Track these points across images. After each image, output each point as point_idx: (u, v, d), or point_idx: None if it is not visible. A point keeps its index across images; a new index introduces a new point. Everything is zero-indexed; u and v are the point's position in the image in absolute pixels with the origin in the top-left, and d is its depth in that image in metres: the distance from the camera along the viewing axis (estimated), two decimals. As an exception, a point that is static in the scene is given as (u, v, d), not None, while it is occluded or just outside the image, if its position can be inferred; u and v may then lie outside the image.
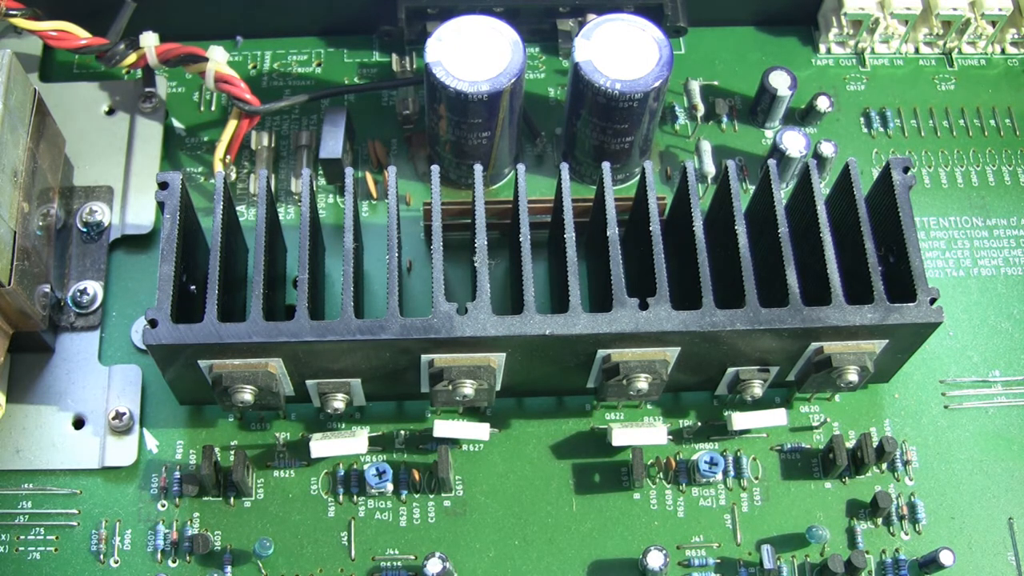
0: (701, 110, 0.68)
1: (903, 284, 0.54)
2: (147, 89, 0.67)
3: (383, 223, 0.65)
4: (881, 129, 0.69)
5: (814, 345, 0.54)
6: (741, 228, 0.55)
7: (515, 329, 0.52)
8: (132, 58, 0.64)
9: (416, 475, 0.58)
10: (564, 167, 0.57)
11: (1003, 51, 0.72)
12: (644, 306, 0.53)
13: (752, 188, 0.66)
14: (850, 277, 0.55)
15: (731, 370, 0.56)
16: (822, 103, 0.67)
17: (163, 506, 0.57)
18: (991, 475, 0.59)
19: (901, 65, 0.71)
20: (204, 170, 0.66)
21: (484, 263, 0.53)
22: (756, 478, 0.59)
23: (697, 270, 0.54)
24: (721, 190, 0.58)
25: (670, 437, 0.59)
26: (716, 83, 0.70)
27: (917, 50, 0.72)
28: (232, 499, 0.57)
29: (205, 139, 0.67)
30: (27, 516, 0.57)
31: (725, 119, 0.69)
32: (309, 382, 0.55)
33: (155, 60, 0.64)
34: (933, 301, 0.53)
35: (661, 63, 0.59)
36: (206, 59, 0.64)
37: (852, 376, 0.54)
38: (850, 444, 0.59)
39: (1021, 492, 0.59)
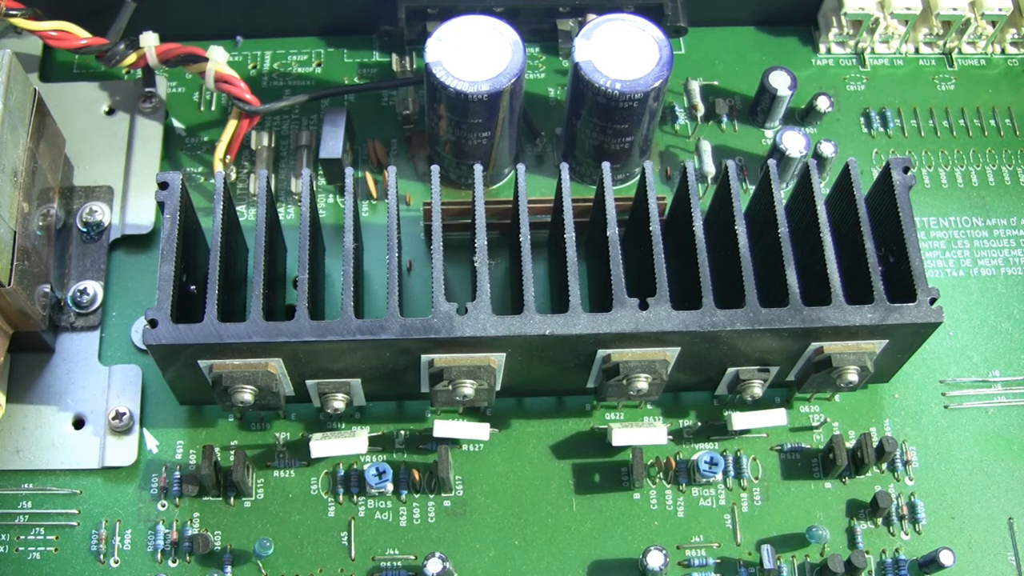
0: (701, 110, 0.68)
1: (903, 284, 0.55)
2: (147, 89, 0.67)
3: (383, 223, 0.65)
4: (881, 129, 0.69)
5: (814, 345, 0.54)
6: (741, 228, 0.55)
7: (515, 329, 0.52)
8: (132, 58, 0.64)
9: (416, 475, 0.58)
10: (564, 167, 0.57)
11: (1003, 51, 0.72)
12: (644, 306, 0.53)
13: (752, 188, 0.66)
14: (850, 277, 0.55)
15: (731, 370, 0.56)
16: (822, 103, 0.67)
17: (163, 506, 0.57)
18: (991, 475, 0.59)
19: (901, 65, 0.71)
20: (204, 170, 0.66)
21: (484, 263, 0.53)
22: (756, 478, 0.59)
23: (697, 270, 0.54)
24: (721, 190, 0.58)
25: (670, 437, 0.59)
26: (716, 83, 0.70)
27: (917, 50, 0.72)
28: (232, 499, 0.57)
29: (205, 139, 0.67)
30: (27, 516, 0.57)
31: (725, 119, 0.69)
32: (309, 382, 0.55)
33: (155, 60, 0.64)
34: (933, 301, 0.53)
35: (661, 63, 0.59)
36: (206, 59, 0.64)
37: (852, 376, 0.54)
38: (850, 444, 0.59)
39: (1021, 492, 0.59)
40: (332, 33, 0.71)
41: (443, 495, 0.58)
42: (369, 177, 0.66)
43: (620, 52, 0.60)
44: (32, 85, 0.59)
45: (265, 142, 0.66)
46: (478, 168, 0.56)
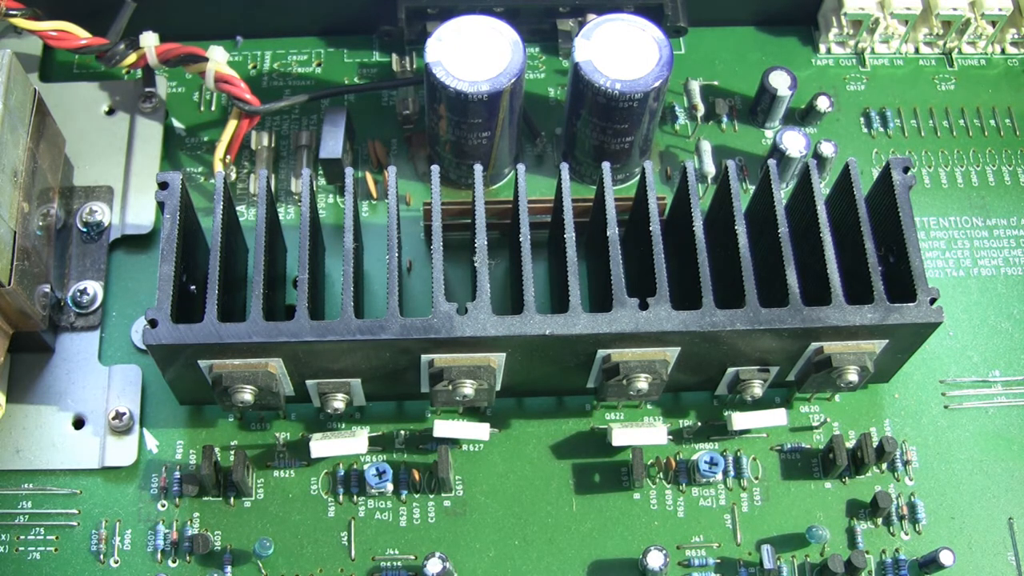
0: (701, 110, 0.68)
1: (903, 284, 0.55)
2: (147, 89, 0.67)
3: (383, 223, 0.65)
4: (881, 129, 0.69)
5: (814, 345, 0.54)
6: (741, 228, 0.55)
7: (515, 329, 0.52)
8: (132, 58, 0.64)
9: (416, 475, 0.58)
10: (564, 167, 0.57)
11: (1003, 51, 0.72)
12: (644, 306, 0.53)
13: (752, 188, 0.66)
14: (850, 277, 0.55)
15: (731, 370, 0.56)
16: (822, 103, 0.67)
17: (163, 506, 0.57)
18: (991, 475, 0.59)
19: (901, 65, 0.71)
20: (204, 170, 0.66)
21: (484, 263, 0.53)
22: (756, 478, 0.59)
23: (697, 270, 0.54)
24: (721, 190, 0.58)
25: (670, 437, 0.59)
26: (716, 83, 0.70)
27: (917, 50, 0.72)
28: (232, 499, 0.57)
29: (205, 139, 0.67)
30: (27, 516, 0.57)
31: (725, 119, 0.69)
32: (309, 382, 0.55)
33: (155, 60, 0.64)
34: (933, 301, 0.53)
35: (661, 63, 0.59)
36: (206, 59, 0.64)
37: (852, 376, 0.54)
38: (850, 444, 0.59)
39: (1021, 492, 0.59)
40: (332, 33, 0.71)
41: (443, 495, 0.58)
42: (369, 177, 0.66)
43: (620, 52, 0.60)
44: (32, 85, 0.59)
45: (265, 142, 0.66)
46: (478, 168, 0.56)
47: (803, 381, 0.57)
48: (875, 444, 0.57)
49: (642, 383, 0.54)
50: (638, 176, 0.63)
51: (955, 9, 0.69)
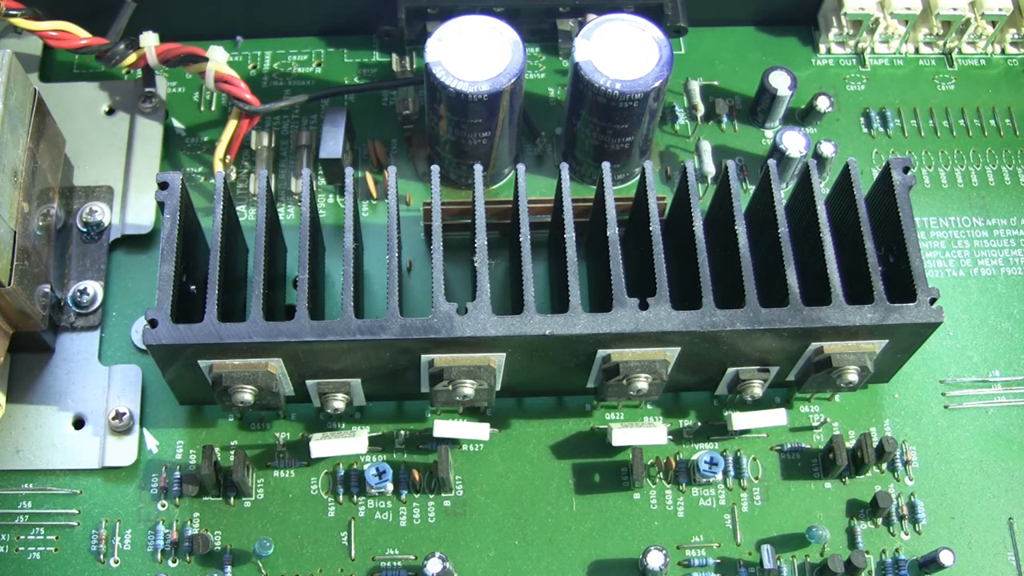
0: (701, 110, 0.68)
1: (903, 284, 0.55)
2: (147, 89, 0.67)
3: (383, 223, 0.65)
4: (881, 129, 0.69)
5: (814, 345, 0.54)
6: (741, 228, 0.55)
7: (515, 329, 0.52)
8: (132, 58, 0.64)
9: (416, 475, 0.58)
10: (564, 167, 0.57)
11: (1003, 51, 0.72)
12: (644, 306, 0.53)
13: (752, 188, 0.66)
14: (850, 277, 0.55)
15: (731, 370, 0.56)
16: (822, 103, 0.67)
17: (163, 506, 0.57)
18: (991, 475, 0.59)
19: (901, 65, 0.71)
20: (204, 170, 0.66)
21: (484, 263, 0.53)
22: (756, 478, 0.59)
23: (697, 270, 0.54)
24: (721, 190, 0.58)
25: (670, 437, 0.59)
26: (716, 83, 0.70)
27: (917, 50, 0.72)
28: (232, 499, 0.57)
29: (205, 139, 0.67)
30: (27, 516, 0.57)
31: (725, 119, 0.69)
32: (309, 382, 0.55)
33: (155, 60, 0.64)
34: (933, 301, 0.53)
35: (661, 63, 0.59)
36: (206, 59, 0.64)
37: (852, 376, 0.54)
38: (850, 444, 0.59)
39: (1021, 492, 0.59)
40: (332, 33, 0.71)
41: (443, 495, 0.58)
42: (369, 177, 0.66)
43: (620, 52, 0.60)
44: (32, 85, 0.59)
45: (265, 142, 0.66)
46: (478, 168, 0.56)
47: (803, 381, 0.57)
48: (875, 444, 0.57)
49: (642, 383, 0.54)
50: (638, 176, 0.63)
51: (955, 9, 0.69)
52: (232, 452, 0.58)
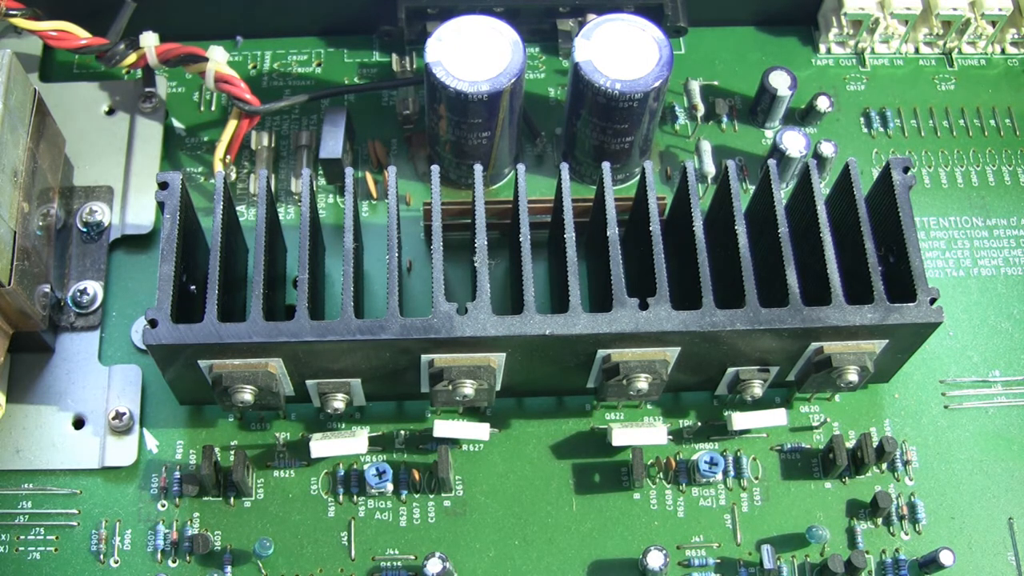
0: (701, 110, 0.68)
1: (903, 284, 0.55)
2: (147, 89, 0.67)
3: (383, 223, 0.65)
4: (881, 129, 0.69)
5: (814, 345, 0.54)
6: (741, 228, 0.55)
7: (515, 329, 0.52)
8: (132, 58, 0.64)
9: (416, 475, 0.58)
10: (564, 167, 0.57)
11: (1003, 51, 0.72)
12: (644, 306, 0.53)
13: (752, 188, 0.66)
14: (850, 277, 0.55)
15: (731, 370, 0.56)
16: (822, 103, 0.67)
17: (163, 506, 0.57)
18: (991, 475, 0.59)
19: (901, 65, 0.71)
20: (204, 170, 0.66)
21: (484, 263, 0.53)
22: (756, 478, 0.59)
23: (697, 270, 0.54)
24: (721, 190, 0.58)
25: (670, 437, 0.59)
26: (716, 83, 0.70)
27: (917, 50, 0.72)
28: (232, 499, 0.57)
29: (205, 139, 0.67)
30: (27, 516, 0.57)
31: (725, 119, 0.69)
32: (309, 382, 0.55)
33: (155, 60, 0.64)
34: (933, 301, 0.53)
35: (661, 63, 0.59)
36: (206, 59, 0.64)
37: (852, 376, 0.54)
38: (850, 444, 0.59)
39: (1021, 492, 0.59)
40: (332, 33, 0.71)
41: (443, 495, 0.58)
42: (369, 177, 0.66)
43: (620, 52, 0.60)
44: (32, 85, 0.59)
45: (265, 142, 0.66)
46: (478, 168, 0.56)
47: (803, 381, 0.57)
48: (875, 444, 0.57)
49: (642, 383, 0.54)
50: (638, 176, 0.63)
51: (955, 9, 0.69)
52: (232, 452, 0.58)
